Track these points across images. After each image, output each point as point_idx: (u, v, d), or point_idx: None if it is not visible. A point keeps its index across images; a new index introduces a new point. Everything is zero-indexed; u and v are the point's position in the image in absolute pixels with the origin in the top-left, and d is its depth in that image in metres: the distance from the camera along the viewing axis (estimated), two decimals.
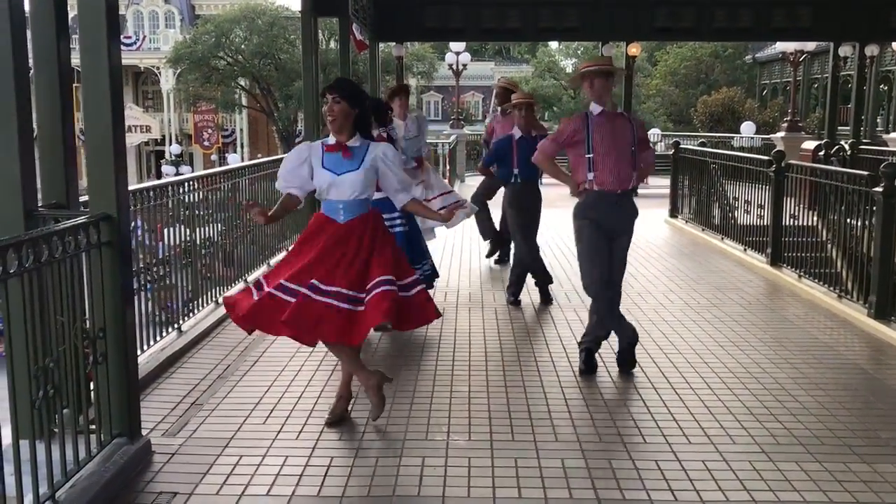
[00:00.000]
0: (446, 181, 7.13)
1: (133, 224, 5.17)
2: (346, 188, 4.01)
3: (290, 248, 4.24)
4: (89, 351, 3.46)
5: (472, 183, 19.44)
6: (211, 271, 6.62)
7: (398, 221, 5.99)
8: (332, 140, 4.09)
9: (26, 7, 3.57)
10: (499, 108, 8.67)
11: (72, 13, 3.72)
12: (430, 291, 5.62)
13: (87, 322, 3.51)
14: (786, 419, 4.28)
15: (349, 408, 4.35)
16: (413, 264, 5.30)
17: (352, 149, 4.05)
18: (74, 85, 4.19)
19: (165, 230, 5.82)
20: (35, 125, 3.67)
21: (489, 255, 8.73)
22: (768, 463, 3.75)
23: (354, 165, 4.02)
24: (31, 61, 3.62)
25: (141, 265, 5.24)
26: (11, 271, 2.84)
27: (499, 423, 4.24)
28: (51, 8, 3.60)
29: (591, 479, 3.58)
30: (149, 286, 5.45)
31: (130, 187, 4.79)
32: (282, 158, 9.55)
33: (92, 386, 3.59)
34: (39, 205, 3.74)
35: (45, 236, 3.11)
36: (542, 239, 9.25)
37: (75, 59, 3.58)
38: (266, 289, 3.92)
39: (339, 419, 4.22)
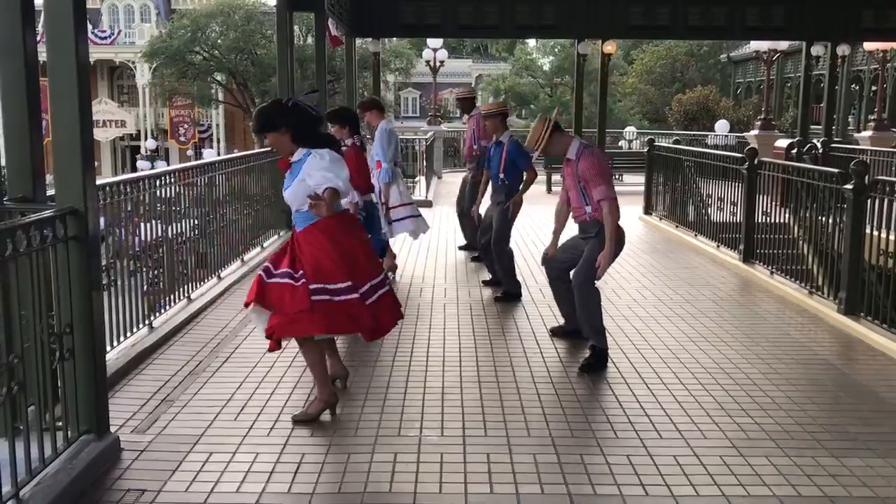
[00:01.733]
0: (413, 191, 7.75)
1: (109, 219, 5.14)
2: (291, 202, 4.15)
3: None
4: (56, 347, 3.41)
5: (448, 179, 19.45)
6: (185, 267, 6.56)
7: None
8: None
9: None
10: (470, 115, 9.12)
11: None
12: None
13: (54, 317, 3.46)
14: (756, 414, 4.32)
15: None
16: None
17: (293, 164, 4.12)
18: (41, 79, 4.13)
19: (141, 225, 5.77)
20: (0, 119, 3.61)
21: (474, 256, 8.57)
22: (739, 458, 3.78)
23: (292, 180, 4.11)
24: None
25: (119, 262, 5.21)
26: None
27: (472, 419, 4.24)
28: None
29: (562, 475, 3.59)
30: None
31: (101, 181, 4.75)
32: (259, 153, 9.59)
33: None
34: (5, 198, 3.69)
35: (9, 230, 3.05)
36: (524, 233, 9.34)
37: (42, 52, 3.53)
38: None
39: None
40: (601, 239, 5.13)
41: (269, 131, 4.06)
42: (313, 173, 3.97)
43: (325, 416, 4.22)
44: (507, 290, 6.97)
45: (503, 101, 9.60)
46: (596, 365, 5.10)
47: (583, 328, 5.31)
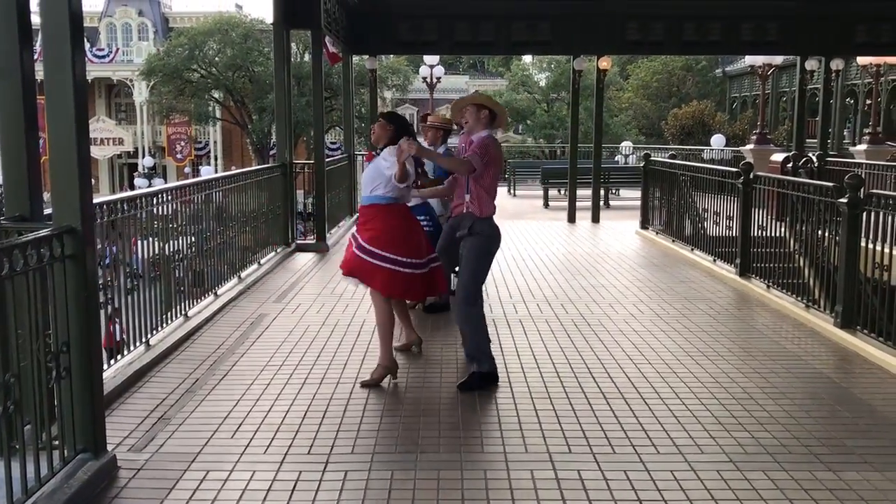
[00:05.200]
0: None
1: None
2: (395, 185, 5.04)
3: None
4: (53, 365, 3.41)
5: None
6: (182, 284, 6.56)
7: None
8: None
9: None
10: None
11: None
12: None
13: (51, 336, 3.46)
14: (753, 428, 4.32)
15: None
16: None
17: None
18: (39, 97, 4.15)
19: (138, 243, 5.79)
20: None
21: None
22: (736, 472, 3.78)
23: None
24: None
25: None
26: None
27: (469, 435, 4.24)
28: (13, 17, 3.56)
29: (560, 491, 3.58)
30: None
31: (98, 199, 4.76)
32: (256, 170, 9.61)
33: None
34: (2, 217, 3.70)
35: (6, 249, 3.06)
36: (522, 247, 9.43)
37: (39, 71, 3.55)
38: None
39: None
40: (476, 236, 5.01)
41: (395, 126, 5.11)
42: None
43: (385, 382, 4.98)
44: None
45: (450, 117, 8.69)
46: (474, 384, 4.96)
47: (468, 347, 5.12)
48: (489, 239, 5.08)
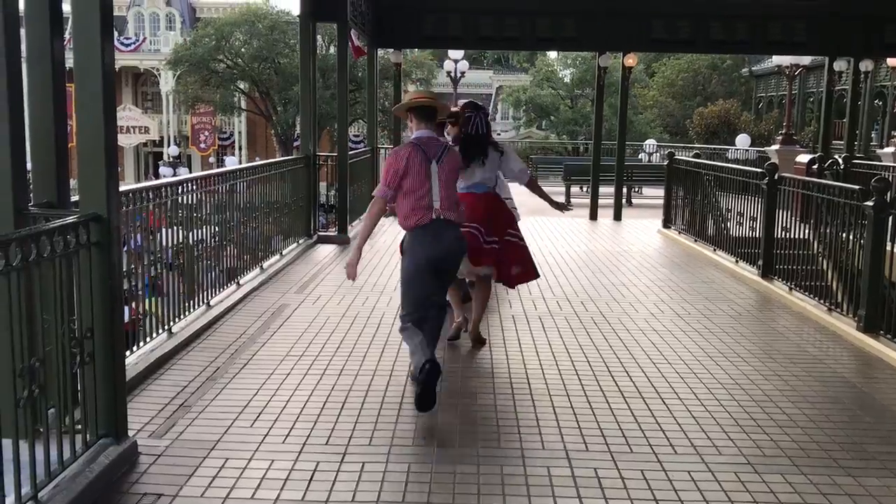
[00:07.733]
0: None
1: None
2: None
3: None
4: (77, 351, 3.45)
5: None
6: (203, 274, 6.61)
7: None
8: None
9: (20, 5, 3.58)
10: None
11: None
12: None
13: (75, 322, 3.50)
14: (772, 431, 4.29)
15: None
16: None
17: None
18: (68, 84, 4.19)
19: (162, 231, 5.84)
20: (27, 123, 3.68)
21: None
22: (754, 475, 3.76)
23: None
24: (24, 59, 3.63)
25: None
26: None
27: (486, 430, 4.25)
28: (45, 6, 3.60)
29: (576, 489, 3.58)
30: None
31: (124, 187, 4.81)
32: (280, 161, 9.66)
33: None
34: (30, 203, 3.74)
35: (33, 235, 3.10)
36: (542, 244, 9.35)
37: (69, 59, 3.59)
38: None
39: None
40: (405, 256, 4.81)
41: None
42: None
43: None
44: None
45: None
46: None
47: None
48: (406, 256, 4.80)
